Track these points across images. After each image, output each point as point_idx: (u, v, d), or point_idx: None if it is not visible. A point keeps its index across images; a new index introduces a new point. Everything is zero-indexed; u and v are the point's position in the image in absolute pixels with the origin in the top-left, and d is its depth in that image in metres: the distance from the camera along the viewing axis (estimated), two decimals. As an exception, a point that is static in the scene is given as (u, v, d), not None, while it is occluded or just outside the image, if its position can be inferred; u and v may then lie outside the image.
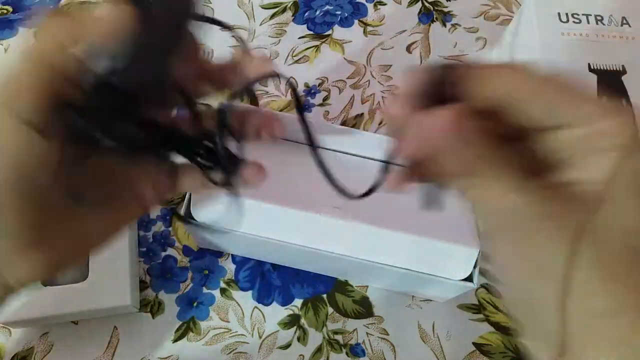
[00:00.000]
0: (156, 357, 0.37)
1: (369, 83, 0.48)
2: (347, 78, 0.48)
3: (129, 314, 0.38)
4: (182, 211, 0.33)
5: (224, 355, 0.37)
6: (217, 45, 0.48)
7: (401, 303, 0.39)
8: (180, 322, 0.38)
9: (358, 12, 0.52)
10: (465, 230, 0.33)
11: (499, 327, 0.39)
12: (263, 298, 0.39)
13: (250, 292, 0.39)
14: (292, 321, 0.38)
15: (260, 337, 0.38)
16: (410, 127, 0.19)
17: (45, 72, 0.19)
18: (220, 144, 0.23)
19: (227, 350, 0.37)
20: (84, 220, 0.23)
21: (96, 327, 0.37)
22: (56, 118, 0.19)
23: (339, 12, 0.52)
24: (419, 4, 0.52)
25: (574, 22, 0.40)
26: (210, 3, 0.52)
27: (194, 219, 0.33)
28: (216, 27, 0.23)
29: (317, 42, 0.50)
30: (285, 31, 0.50)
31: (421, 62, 0.49)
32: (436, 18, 0.52)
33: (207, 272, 0.40)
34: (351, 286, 0.40)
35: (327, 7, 0.52)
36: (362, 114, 0.46)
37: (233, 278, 0.40)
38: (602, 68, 0.38)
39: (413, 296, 0.40)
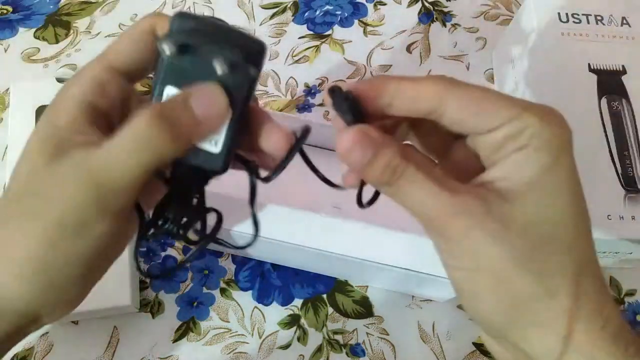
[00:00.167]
0: (156, 357, 0.37)
1: (369, 83, 0.48)
2: (347, 78, 0.48)
3: (129, 314, 0.38)
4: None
5: (224, 356, 0.37)
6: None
7: (401, 303, 0.39)
8: (180, 322, 0.38)
9: (358, 12, 0.52)
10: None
11: (499, 327, 0.39)
12: (263, 298, 0.39)
13: (250, 292, 0.39)
14: (292, 321, 0.38)
15: (260, 337, 0.38)
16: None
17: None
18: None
19: (227, 350, 0.37)
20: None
21: (96, 327, 0.37)
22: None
23: (339, 12, 0.52)
24: (419, 4, 0.52)
25: (574, 22, 0.40)
26: (211, 3, 0.52)
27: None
28: None
29: (317, 42, 0.50)
30: (285, 31, 0.50)
31: (421, 62, 0.49)
32: (436, 18, 0.52)
33: (207, 272, 0.40)
34: (351, 286, 0.40)
35: (327, 7, 0.52)
36: (362, 114, 0.46)
37: (233, 278, 0.40)
38: (602, 68, 0.38)
39: (413, 296, 0.40)
